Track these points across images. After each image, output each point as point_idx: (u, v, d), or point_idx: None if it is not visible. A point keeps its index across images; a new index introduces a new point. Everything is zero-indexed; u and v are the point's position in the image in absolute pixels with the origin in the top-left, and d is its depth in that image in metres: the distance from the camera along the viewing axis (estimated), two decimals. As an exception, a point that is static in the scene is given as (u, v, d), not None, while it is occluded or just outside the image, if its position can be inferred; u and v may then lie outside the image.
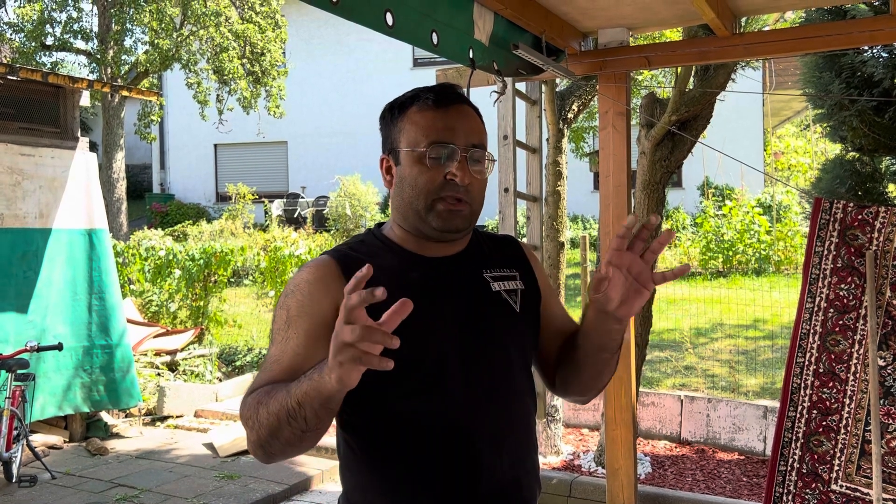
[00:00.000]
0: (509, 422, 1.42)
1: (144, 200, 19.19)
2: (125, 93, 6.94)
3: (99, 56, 14.83)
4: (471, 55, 2.67)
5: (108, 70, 14.72)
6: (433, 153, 1.38)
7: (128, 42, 15.48)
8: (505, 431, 1.41)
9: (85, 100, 6.03)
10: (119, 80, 14.61)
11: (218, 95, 14.95)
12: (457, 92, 1.45)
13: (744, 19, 3.59)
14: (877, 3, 4.23)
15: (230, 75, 14.34)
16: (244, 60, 14.59)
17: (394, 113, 1.45)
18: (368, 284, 1.28)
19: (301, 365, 1.30)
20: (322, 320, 1.32)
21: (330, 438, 5.66)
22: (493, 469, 1.37)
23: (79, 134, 5.93)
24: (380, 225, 1.52)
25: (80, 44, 15.62)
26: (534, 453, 1.49)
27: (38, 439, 5.54)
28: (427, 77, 9.79)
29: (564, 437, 5.42)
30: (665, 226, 11.85)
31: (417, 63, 17.95)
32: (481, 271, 1.47)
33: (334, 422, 1.35)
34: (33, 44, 14.78)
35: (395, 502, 1.35)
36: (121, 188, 15.17)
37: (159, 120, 15.99)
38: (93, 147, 6.85)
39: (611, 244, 1.27)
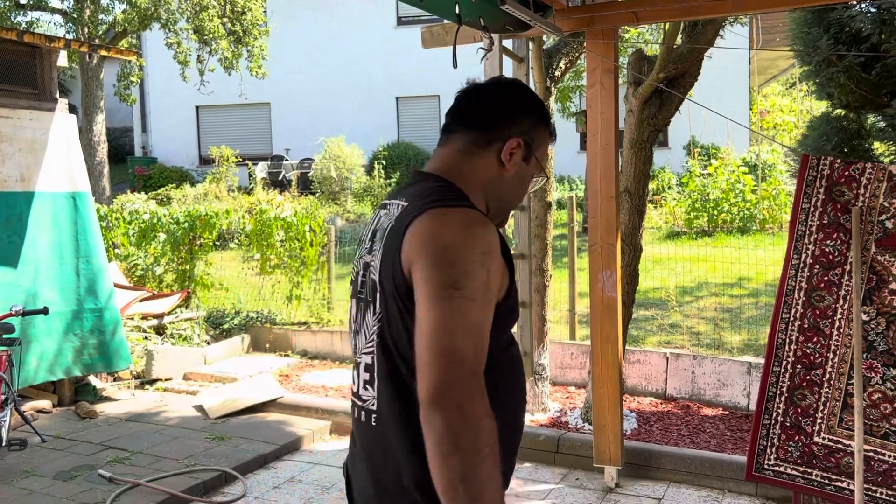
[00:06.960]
0: None
1: (127, 164, 18.94)
2: (104, 52, 6.79)
3: (75, 15, 14.48)
4: (457, 10, 2.63)
5: (85, 30, 14.39)
6: (537, 177, 1.62)
7: (104, 1, 15.11)
8: None
9: (62, 60, 5.90)
10: (97, 41, 14.31)
11: (199, 56, 14.68)
12: None
13: (733, -26, 3.54)
14: (866, -42, 4.19)
15: (211, 35, 14.06)
16: (225, 20, 14.29)
17: (543, 119, 1.58)
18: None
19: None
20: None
21: (320, 399, 5.69)
22: None
23: (57, 95, 5.82)
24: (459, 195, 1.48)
25: (55, 2, 15.26)
26: None
27: (28, 404, 5.54)
28: (412, 35, 9.58)
29: (552, 394, 5.49)
30: (651, 185, 11.84)
31: (401, 21, 17.69)
32: None
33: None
34: (7, 2, 14.41)
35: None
36: (102, 151, 14.95)
37: (139, 81, 15.71)
38: (72, 110, 6.73)
39: None
